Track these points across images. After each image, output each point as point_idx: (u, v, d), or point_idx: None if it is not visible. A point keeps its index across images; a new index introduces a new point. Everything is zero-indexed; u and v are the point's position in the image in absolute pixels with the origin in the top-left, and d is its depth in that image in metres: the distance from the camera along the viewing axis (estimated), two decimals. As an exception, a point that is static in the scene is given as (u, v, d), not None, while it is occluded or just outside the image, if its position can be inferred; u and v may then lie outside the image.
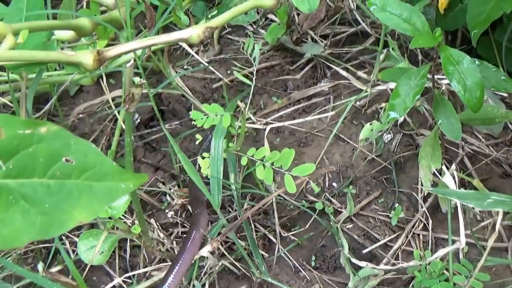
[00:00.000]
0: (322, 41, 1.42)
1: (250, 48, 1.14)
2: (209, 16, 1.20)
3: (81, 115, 1.36)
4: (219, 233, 1.09)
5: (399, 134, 1.25)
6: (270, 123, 1.28)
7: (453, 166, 0.91)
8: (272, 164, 1.05)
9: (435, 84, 1.04)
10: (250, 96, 1.07)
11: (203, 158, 1.09)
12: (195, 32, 0.96)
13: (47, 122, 0.58)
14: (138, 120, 1.34)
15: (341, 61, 1.37)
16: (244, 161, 1.07)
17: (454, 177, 0.90)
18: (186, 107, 1.35)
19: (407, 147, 1.24)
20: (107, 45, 1.25)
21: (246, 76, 1.37)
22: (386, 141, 1.24)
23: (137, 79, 0.81)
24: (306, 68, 1.39)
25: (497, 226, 0.76)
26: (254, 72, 1.07)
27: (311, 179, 1.20)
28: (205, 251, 1.00)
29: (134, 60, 0.97)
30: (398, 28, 0.96)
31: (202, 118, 1.09)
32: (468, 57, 0.91)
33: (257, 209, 1.07)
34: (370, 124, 1.14)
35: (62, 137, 0.59)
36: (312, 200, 1.18)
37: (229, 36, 1.47)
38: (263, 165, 1.05)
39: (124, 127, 1.18)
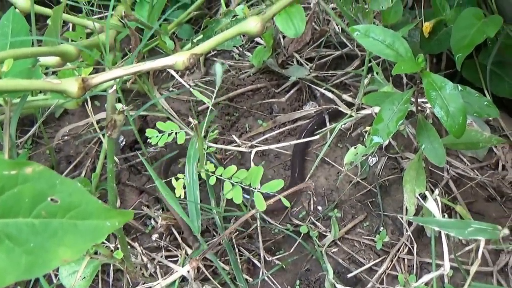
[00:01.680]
0: (307, 64, 1.43)
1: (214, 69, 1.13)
2: (195, 40, 1.21)
3: (66, 138, 1.35)
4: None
5: (384, 157, 1.25)
6: (256, 146, 1.28)
7: (436, 191, 0.91)
8: (241, 182, 1.04)
9: (419, 109, 1.04)
10: (207, 118, 1.06)
11: (177, 179, 1.09)
12: (180, 59, 0.96)
13: (33, 162, 0.58)
14: (123, 143, 1.34)
15: (326, 84, 1.38)
16: (212, 181, 1.06)
17: (437, 202, 0.90)
18: (172, 129, 1.34)
19: (392, 170, 1.24)
20: (94, 68, 1.26)
21: (232, 99, 1.38)
22: (371, 164, 1.24)
23: (119, 106, 0.81)
24: (292, 91, 1.40)
25: (479, 253, 0.76)
26: (214, 94, 1.07)
27: (296, 203, 1.20)
28: (184, 271, 0.99)
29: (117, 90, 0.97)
30: (381, 54, 0.96)
31: (157, 136, 1.09)
32: (451, 83, 0.91)
33: (236, 230, 1.06)
34: (355, 148, 1.14)
35: (48, 177, 0.59)
36: (297, 223, 1.18)
37: (215, 59, 1.48)
38: (231, 183, 1.05)
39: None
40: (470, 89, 0.99)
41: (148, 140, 1.09)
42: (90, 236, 0.60)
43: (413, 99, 1.02)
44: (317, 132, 1.29)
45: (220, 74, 1.05)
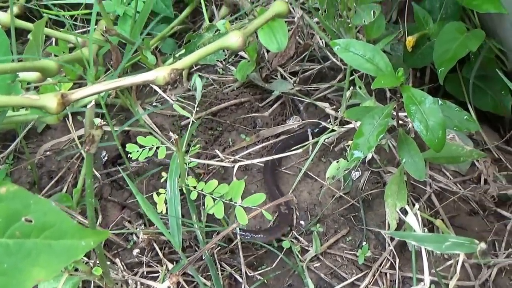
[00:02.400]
0: (291, 78, 1.43)
1: (194, 84, 1.13)
2: (177, 55, 1.21)
3: (48, 153, 1.35)
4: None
5: (367, 172, 1.25)
6: (239, 160, 1.28)
7: (417, 206, 0.91)
8: (222, 197, 1.04)
9: (400, 123, 1.04)
10: (188, 132, 1.05)
11: (158, 195, 1.08)
12: (160, 74, 0.96)
13: (7, 182, 0.58)
14: (106, 158, 1.33)
15: (309, 98, 1.38)
16: (193, 196, 1.05)
17: (417, 217, 0.89)
18: (155, 143, 1.34)
19: (375, 184, 1.24)
20: (76, 83, 1.25)
21: (216, 113, 1.38)
22: (354, 178, 1.24)
23: (97, 121, 0.81)
24: (275, 105, 1.40)
25: (458, 268, 0.76)
26: (195, 108, 1.07)
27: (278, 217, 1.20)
28: (164, 287, 0.98)
29: (97, 104, 0.96)
30: (361, 68, 0.96)
31: (137, 151, 1.09)
32: (430, 97, 0.91)
33: (218, 245, 1.06)
34: (337, 162, 1.14)
35: (22, 197, 0.59)
36: (280, 238, 1.17)
37: (199, 73, 1.47)
38: (213, 198, 1.04)
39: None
40: (450, 103, 0.99)
41: (129, 155, 1.09)
42: (65, 256, 0.60)
43: (395, 113, 1.02)
44: (299, 146, 1.28)
45: (200, 88, 1.05)
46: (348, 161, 1.12)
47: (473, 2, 1.20)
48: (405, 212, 1.07)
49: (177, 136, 0.93)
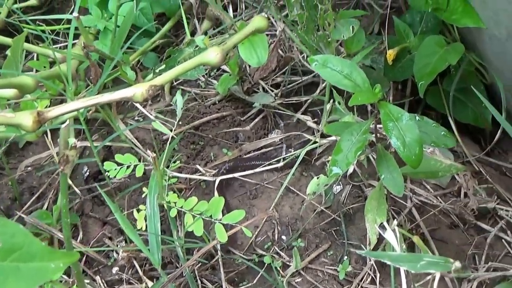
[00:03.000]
0: (273, 90, 1.43)
1: (176, 101, 1.13)
2: (157, 71, 1.20)
3: (29, 168, 1.34)
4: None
5: (348, 185, 1.25)
6: (220, 174, 1.27)
7: (395, 222, 0.90)
8: (202, 214, 1.04)
9: (379, 138, 1.04)
10: (167, 150, 1.05)
11: (138, 211, 1.08)
12: (138, 90, 0.96)
13: None
14: (87, 173, 1.32)
15: (291, 111, 1.38)
16: (173, 213, 1.05)
17: (395, 233, 0.89)
18: (137, 157, 1.33)
19: (356, 198, 1.24)
20: (57, 98, 1.25)
21: (198, 127, 1.38)
22: (336, 192, 1.24)
23: (71, 141, 0.80)
24: (257, 119, 1.39)
25: (435, 286, 0.76)
26: (175, 126, 1.07)
27: (260, 233, 1.20)
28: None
29: (77, 119, 0.96)
30: (339, 85, 0.96)
31: (115, 169, 1.08)
32: (407, 113, 0.91)
33: (199, 261, 1.05)
34: (317, 178, 1.14)
35: None
36: (261, 253, 1.17)
37: (182, 87, 1.47)
38: (192, 215, 1.04)
39: (70, 182, 1.16)
40: (428, 119, 0.99)
41: (107, 173, 1.08)
42: (34, 279, 0.59)
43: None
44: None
45: (180, 106, 1.05)
46: (328, 177, 1.12)
47: (452, 17, 1.21)
48: (384, 228, 1.08)
49: (154, 155, 0.93)
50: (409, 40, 1.36)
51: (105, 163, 1.10)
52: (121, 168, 1.08)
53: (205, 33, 1.49)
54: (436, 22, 1.34)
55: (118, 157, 1.09)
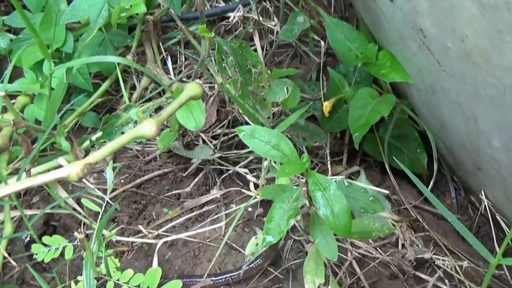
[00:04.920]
0: (212, 141, 1.43)
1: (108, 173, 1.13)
2: (93, 138, 1.20)
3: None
4: None
5: (290, 240, 1.26)
6: (162, 235, 1.28)
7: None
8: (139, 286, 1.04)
9: (312, 203, 1.06)
10: (98, 226, 1.05)
11: (76, 283, 1.07)
12: (73, 170, 0.95)
13: None
14: (28, 239, 1.30)
15: (231, 165, 1.39)
16: (110, 286, 1.05)
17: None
18: (78, 221, 1.32)
19: (298, 253, 1.25)
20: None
21: (140, 185, 1.37)
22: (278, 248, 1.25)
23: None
24: (200, 175, 1.40)
25: None
26: (104, 202, 1.07)
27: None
28: None
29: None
30: (267, 155, 0.97)
31: (43, 251, 1.07)
32: (335, 183, 0.93)
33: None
34: (255, 238, 1.15)
35: None
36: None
37: (122, 144, 1.46)
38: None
39: (5, 254, 1.14)
40: (356, 184, 1.02)
41: (34, 256, 1.07)
42: None
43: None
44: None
45: (111, 180, 1.04)
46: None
47: (380, 71, 1.25)
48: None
49: (83, 236, 0.92)
50: (345, 90, 1.39)
51: (32, 245, 1.09)
52: (49, 250, 1.07)
53: (146, 89, 1.49)
54: (369, 73, 1.37)
55: (45, 239, 1.08)
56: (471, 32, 0.87)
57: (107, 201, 1.10)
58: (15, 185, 0.92)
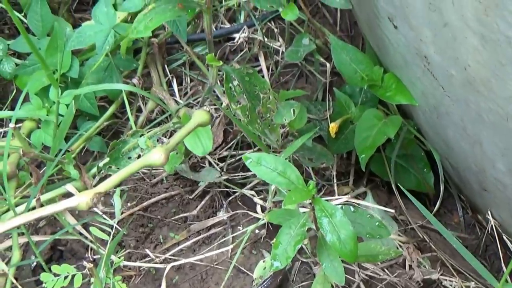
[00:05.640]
0: (218, 163, 1.44)
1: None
2: (100, 165, 1.21)
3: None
4: None
5: (297, 262, 1.26)
6: (170, 259, 1.28)
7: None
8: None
9: (318, 228, 1.06)
10: (106, 252, 1.05)
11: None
12: (83, 200, 0.96)
13: None
14: (34, 264, 1.31)
15: (238, 187, 1.39)
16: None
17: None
18: (85, 246, 1.33)
19: (306, 275, 1.25)
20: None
21: (146, 208, 1.38)
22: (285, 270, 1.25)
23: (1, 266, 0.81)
24: (207, 198, 1.40)
25: None
26: (113, 230, 1.08)
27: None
28: None
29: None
30: (273, 182, 0.98)
31: (52, 280, 1.08)
32: (341, 210, 0.94)
33: None
34: (263, 261, 1.16)
35: None
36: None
37: (129, 166, 1.47)
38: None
39: (13, 280, 1.15)
40: (363, 209, 1.02)
41: (44, 285, 1.08)
42: None
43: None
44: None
45: (118, 207, 1.05)
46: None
47: (386, 94, 1.25)
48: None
49: (91, 265, 0.93)
50: (351, 110, 1.40)
51: (41, 274, 1.09)
52: (58, 279, 1.07)
53: (151, 111, 1.50)
54: (375, 93, 1.38)
55: (54, 268, 1.08)
56: (474, 63, 0.88)
57: (114, 227, 1.10)
58: (25, 215, 0.94)
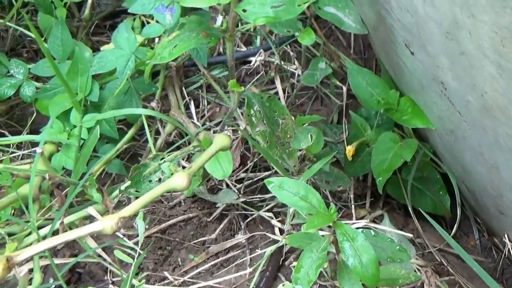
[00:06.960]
0: (235, 185, 1.45)
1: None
2: (122, 188, 1.22)
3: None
4: None
5: (315, 286, 1.27)
6: (188, 282, 1.29)
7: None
8: None
9: (339, 252, 1.07)
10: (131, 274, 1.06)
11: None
12: (108, 224, 0.97)
13: None
14: (53, 287, 1.32)
15: (256, 209, 1.40)
16: None
17: None
18: (103, 268, 1.34)
19: (324, 299, 1.26)
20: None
21: (165, 231, 1.39)
22: (303, 294, 1.26)
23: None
24: (225, 220, 1.41)
25: None
26: (137, 254, 1.09)
27: None
28: None
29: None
30: (295, 206, 1.00)
31: None
32: (362, 234, 0.95)
33: None
34: (283, 285, 1.16)
35: None
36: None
37: (147, 189, 1.49)
38: None
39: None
40: (383, 234, 1.03)
41: None
42: None
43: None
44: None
45: (142, 231, 1.06)
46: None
47: (402, 117, 1.27)
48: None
49: (117, 289, 0.94)
50: (367, 133, 1.41)
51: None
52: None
53: (169, 134, 1.52)
54: (391, 116, 1.39)
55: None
56: (491, 90, 0.89)
57: (137, 251, 1.12)
58: (50, 240, 0.95)
